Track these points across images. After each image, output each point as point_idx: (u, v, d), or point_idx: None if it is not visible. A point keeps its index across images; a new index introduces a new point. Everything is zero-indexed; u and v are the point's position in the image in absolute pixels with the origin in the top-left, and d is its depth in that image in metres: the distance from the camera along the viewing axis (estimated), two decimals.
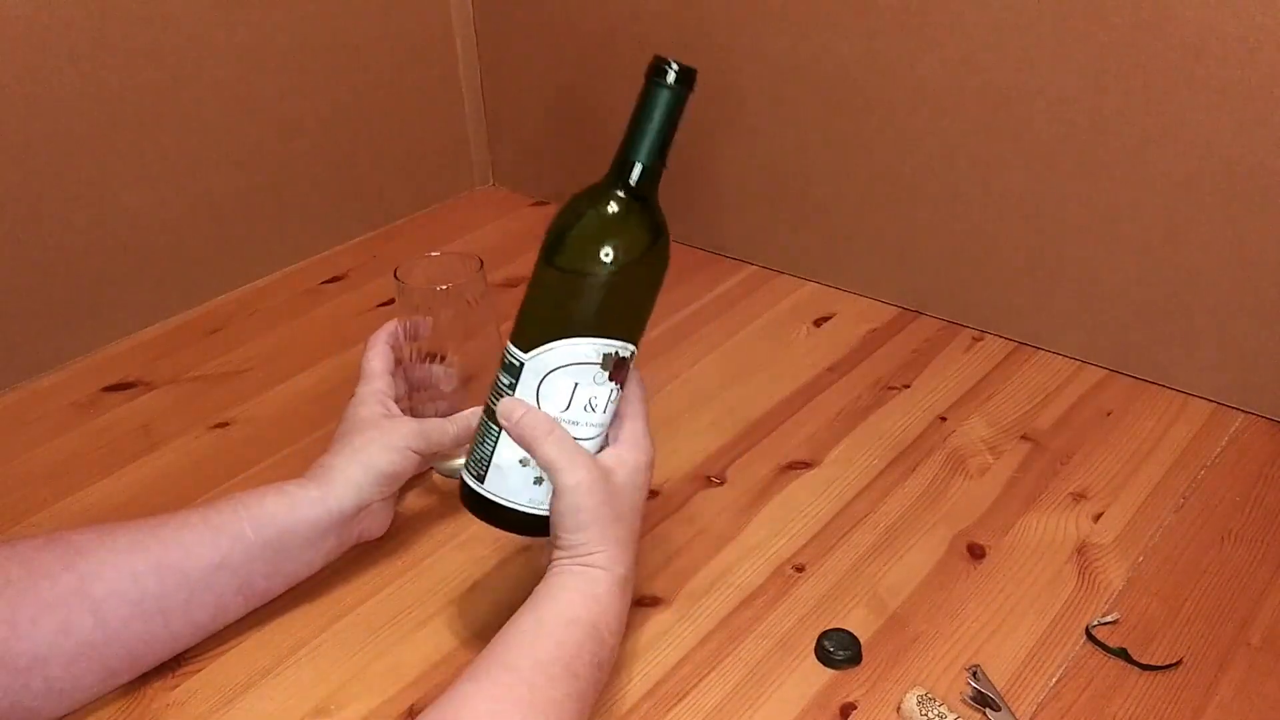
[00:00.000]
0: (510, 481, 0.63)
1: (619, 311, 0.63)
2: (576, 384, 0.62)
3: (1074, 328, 0.94)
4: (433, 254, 0.82)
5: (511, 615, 0.61)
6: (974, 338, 0.99)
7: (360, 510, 0.71)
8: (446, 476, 0.84)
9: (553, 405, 0.62)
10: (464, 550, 0.77)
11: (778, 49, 1.00)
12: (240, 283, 1.13)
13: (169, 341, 1.05)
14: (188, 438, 0.91)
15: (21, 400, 0.97)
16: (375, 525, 0.74)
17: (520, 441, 0.62)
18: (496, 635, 0.60)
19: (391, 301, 0.80)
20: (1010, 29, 0.87)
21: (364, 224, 1.23)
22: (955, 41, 0.90)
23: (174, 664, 0.68)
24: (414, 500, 0.82)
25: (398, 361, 0.79)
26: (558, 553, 0.63)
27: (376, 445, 0.71)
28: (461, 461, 0.82)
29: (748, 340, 1.01)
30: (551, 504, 0.63)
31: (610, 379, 0.63)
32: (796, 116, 1.02)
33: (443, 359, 0.79)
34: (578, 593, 0.61)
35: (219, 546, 0.66)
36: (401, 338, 0.79)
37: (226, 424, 0.92)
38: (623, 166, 0.62)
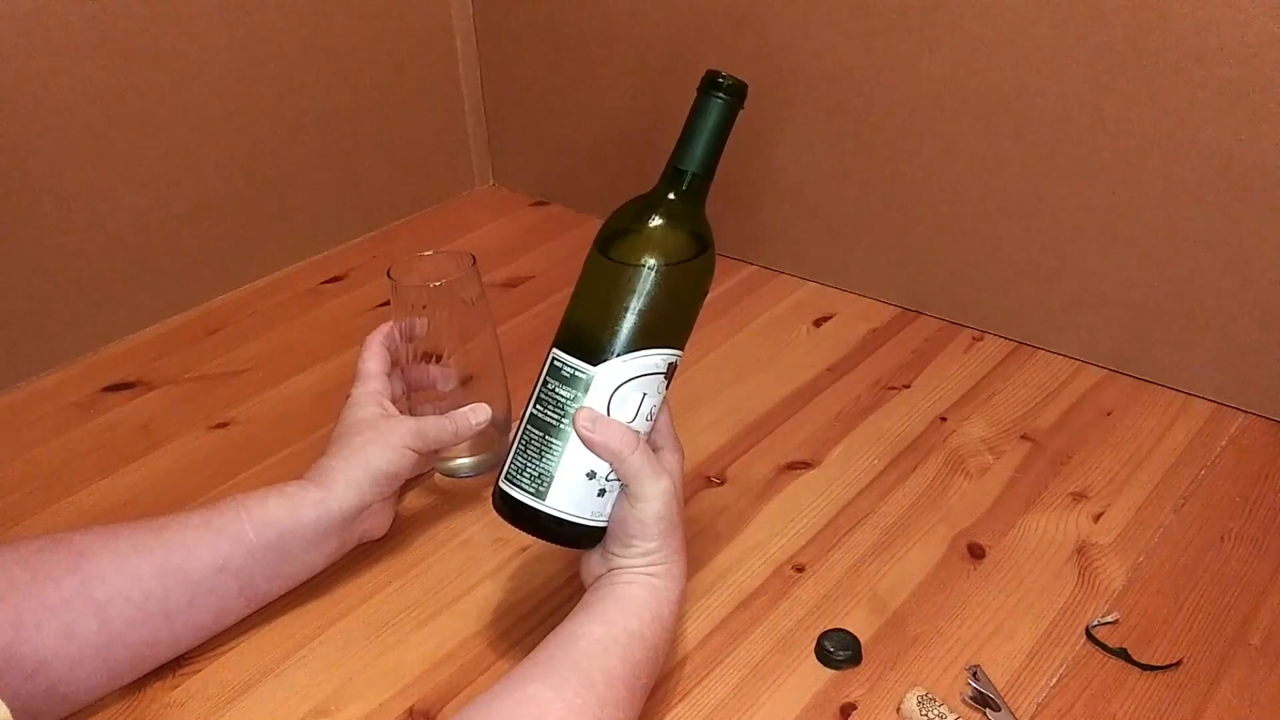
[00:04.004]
0: (576, 495, 0.62)
1: (684, 322, 0.63)
2: (644, 394, 0.61)
3: (1074, 328, 0.94)
4: (425, 253, 0.81)
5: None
6: (974, 338, 0.99)
7: (361, 511, 0.71)
8: (447, 476, 0.84)
9: (621, 416, 0.61)
10: (464, 550, 0.77)
11: (777, 49, 1.00)
12: (240, 283, 1.13)
13: (169, 341, 1.05)
14: (188, 438, 0.91)
15: (21, 400, 0.97)
16: (377, 526, 0.74)
17: (604, 452, 0.60)
18: (561, 634, 0.59)
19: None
20: (1010, 29, 0.87)
21: (364, 224, 1.23)
22: (955, 41, 0.90)
23: (174, 664, 0.68)
24: (414, 500, 0.82)
25: (394, 363, 0.79)
26: (623, 561, 0.62)
27: (375, 446, 0.71)
28: (463, 460, 0.83)
29: (748, 340, 1.01)
30: (623, 513, 0.62)
31: (667, 388, 0.63)
32: (796, 116, 1.02)
33: (439, 359, 0.79)
34: (648, 611, 0.61)
35: (221, 548, 0.66)
36: (398, 338, 0.78)
37: (226, 424, 0.92)
38: (677, 176, 0.63)
